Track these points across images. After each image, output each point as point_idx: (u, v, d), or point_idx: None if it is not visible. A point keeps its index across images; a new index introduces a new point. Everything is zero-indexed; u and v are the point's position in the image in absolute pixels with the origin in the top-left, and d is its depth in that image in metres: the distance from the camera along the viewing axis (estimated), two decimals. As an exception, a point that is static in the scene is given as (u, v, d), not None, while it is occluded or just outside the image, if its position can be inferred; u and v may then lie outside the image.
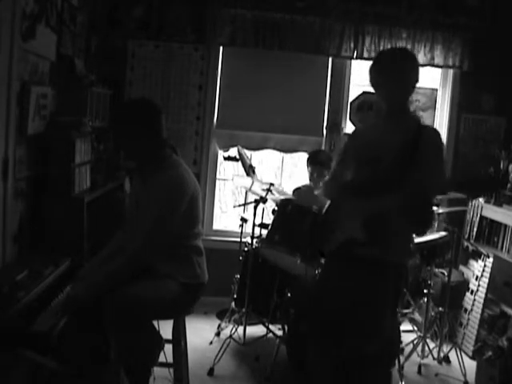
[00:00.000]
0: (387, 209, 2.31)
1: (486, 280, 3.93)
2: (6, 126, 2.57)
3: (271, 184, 3.63)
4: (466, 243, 4.36)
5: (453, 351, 3.68)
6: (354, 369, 2.47)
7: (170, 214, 2.48)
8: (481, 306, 3.92)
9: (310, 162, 4.04)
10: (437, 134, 2.42)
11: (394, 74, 2.33)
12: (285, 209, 3.40)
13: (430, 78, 4.62)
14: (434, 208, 2.45)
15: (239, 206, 4.18)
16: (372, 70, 2.41)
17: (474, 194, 2.25)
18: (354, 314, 2.38)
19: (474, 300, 4.00)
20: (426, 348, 3.70)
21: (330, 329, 2.44)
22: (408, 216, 2.32)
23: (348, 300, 2.40)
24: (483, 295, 3.92)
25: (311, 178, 4.03)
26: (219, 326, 3.92)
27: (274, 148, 4.53)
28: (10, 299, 2.13)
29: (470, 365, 3.56)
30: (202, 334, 3.89)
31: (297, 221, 3.30)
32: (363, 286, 2.37)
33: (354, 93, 4.50)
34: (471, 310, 4.00)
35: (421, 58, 4.35)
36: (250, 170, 3.82)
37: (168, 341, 2.65)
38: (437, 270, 4.02)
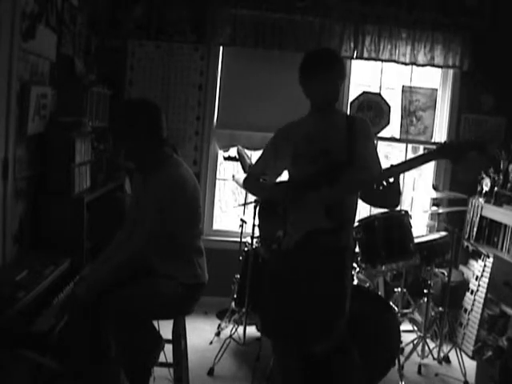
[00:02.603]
0: (346, 194, 2.44)
1: (486, 280, 3.93)
2: (6, 126, 2.58)
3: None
4: (466, 243, 4.36)
5: (453, 351, 3.68)
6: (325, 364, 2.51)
7: (171, 213, 2.48)
8: (481, 305, 3.92)
9: None
10: (367, 123, 2.56)
11: (322, 75, 2.44)
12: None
13: (430, 78, 4.62)
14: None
15: (239, 205, 4.18)
16: (301, 71, 2.50)
17: (455, 155, 2.33)
18: (318, 305, 2.42)
19: (474, 300, 4.00)
20: (426, 348, 3.70)
21: (293, 323, 2.46)
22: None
23: (313, 290, 2.44)
24: (483, 295, 3.92)
25: None
26: (219, 326, 3.92)
27: (274, 148, 4.52)
28: (10, 299, 2.13)
29: (470, 365, 3.56)
30: (202, 334, 3.89)
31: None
32: (329, 273, 2.44)
33: (353, 93, 4.50)
34: (471, 309, 4.00)
35: (421, 57, 4.36)
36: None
37: (168, 341, 2.65)
38: (437, 269, 4.02)
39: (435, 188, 3.95)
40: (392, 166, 2.41)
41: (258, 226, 2.81)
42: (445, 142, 2.35)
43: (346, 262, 2.50)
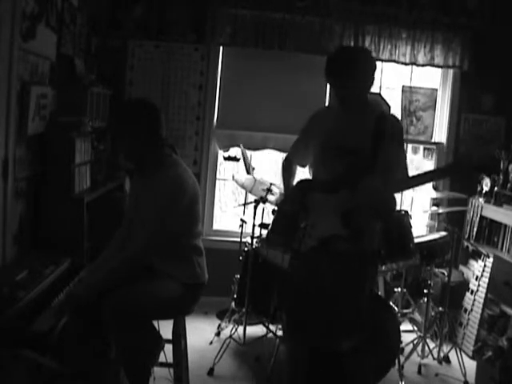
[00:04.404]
0: (364, 201, 2.36)
1: (486, 280, 3.93)
2: (6, 126, 2.57)
3: (271, 184, 3.64)
4: (466, 243, 4.36)
5: (453, 351, 3.68)
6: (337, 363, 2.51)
7: (170, 213, 2.48)
8: (481, 305, 3.92)
9: None
10: (397, 124, 2.52)
11: (341, 78, 2.41)
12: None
13: (430, 78, 4.62)
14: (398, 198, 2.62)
15: (239, 205, 4.18)
16: (325, 71, 2.45)
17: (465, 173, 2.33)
18: (336, 310, 2.42)
19: (474, 300, 4.00)
20: (426, 348, 3.70)
21: (313, 324, 2.47)
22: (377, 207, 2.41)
23: (332, 297, 2.44)
24: (483, 295, 3.92)
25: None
26: (219, 326, 3.92)
27: (274, 148, 4.52)
28: (10, 299, 2.13)
29: (470, 365, 3.55)
30: (202, 334, 3.89)
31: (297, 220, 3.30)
32: (346, 282, 2.42)
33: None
34: (471, 310, 4.00)
35: (421, 57, 4.36)
36: (251, 170, 3.83)
37: (168, 341, 2.65)
38: (437, 269, 4.02)
39: (435, 188, 3.95)
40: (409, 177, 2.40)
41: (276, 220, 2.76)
42: (455, 163, 2.31)
43: (363, 269, 2.46)
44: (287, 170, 2.72)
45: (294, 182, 2.69)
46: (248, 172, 3.84)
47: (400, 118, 4.54)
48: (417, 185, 2.43)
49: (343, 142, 2.43)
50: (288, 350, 2.77)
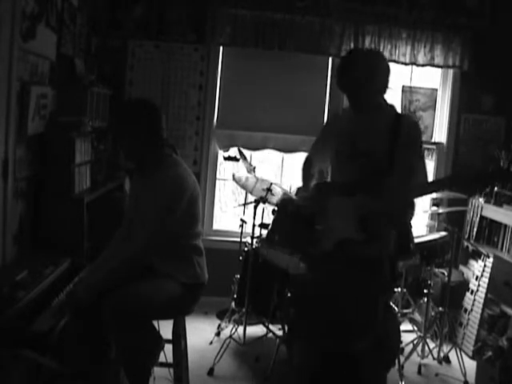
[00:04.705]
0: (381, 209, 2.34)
1: (486, 280, 3.93)
2: (6, 126, 2.57)
3: (272, 183, 3.64)
4: (466, 243, 4.36)
5: (453, 351, 3.68)
6: (347, 367, 2.49)
7: (170, 213, 2.48)
8: (481, 305, 3.92)
9: None
10: (414, 125, 2.48)
11: (354, 73, 2.39)
12: (285, 209, 3.40)
13: (430, 78, 4.62)
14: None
15: (239, 205, 4.18)
16: (336, 71, 2.44)
17: (469, 188, 2.30)
18: (352, 311, 2.41)
19: (474, 300, 4.00)
20: (426, 348, 3.70)
21: (328, 327, 2.46)
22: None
23: (348, 298, 2.42)
24: (483, 295, 3.92)
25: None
26: (219, 326, 3.92)
27: (274, 148, 4.52)
28: (10, 299, 2.13)
29: (470, 365, 3.55)
30: (202, 334, 3.89)
31: (297, 221, 3.30)
32: (362, 284, 2.40)
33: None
34: (471, 310, 4.00)
35: (421, 57, 4.36)
36: (251, 170, 3.83)
37: (168, 341, 2.65)
38: (437, 269, 4.02)
39: (435, 188, 3.94)
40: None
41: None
42: (473, 172, 2.28)
43: (377, 274, 2.44)
44: (307, 171, 2.70)
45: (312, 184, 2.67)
46: (249, 173, 3.84)
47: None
48: (436, 190, 2.40)
49: (354, 145, 2.42)
50: (298, 351, 2.73)
